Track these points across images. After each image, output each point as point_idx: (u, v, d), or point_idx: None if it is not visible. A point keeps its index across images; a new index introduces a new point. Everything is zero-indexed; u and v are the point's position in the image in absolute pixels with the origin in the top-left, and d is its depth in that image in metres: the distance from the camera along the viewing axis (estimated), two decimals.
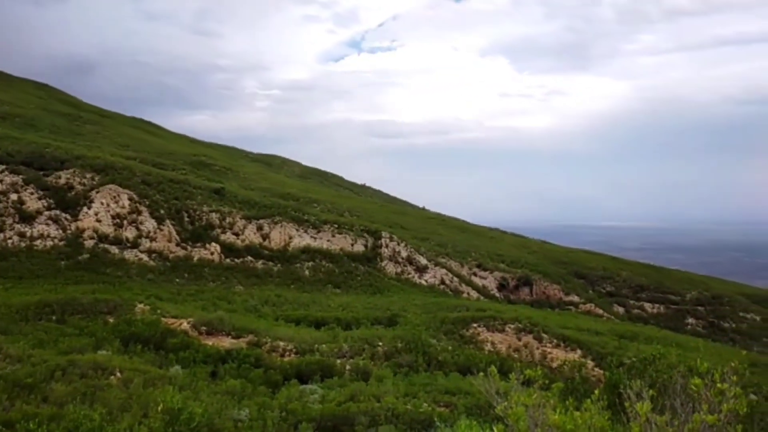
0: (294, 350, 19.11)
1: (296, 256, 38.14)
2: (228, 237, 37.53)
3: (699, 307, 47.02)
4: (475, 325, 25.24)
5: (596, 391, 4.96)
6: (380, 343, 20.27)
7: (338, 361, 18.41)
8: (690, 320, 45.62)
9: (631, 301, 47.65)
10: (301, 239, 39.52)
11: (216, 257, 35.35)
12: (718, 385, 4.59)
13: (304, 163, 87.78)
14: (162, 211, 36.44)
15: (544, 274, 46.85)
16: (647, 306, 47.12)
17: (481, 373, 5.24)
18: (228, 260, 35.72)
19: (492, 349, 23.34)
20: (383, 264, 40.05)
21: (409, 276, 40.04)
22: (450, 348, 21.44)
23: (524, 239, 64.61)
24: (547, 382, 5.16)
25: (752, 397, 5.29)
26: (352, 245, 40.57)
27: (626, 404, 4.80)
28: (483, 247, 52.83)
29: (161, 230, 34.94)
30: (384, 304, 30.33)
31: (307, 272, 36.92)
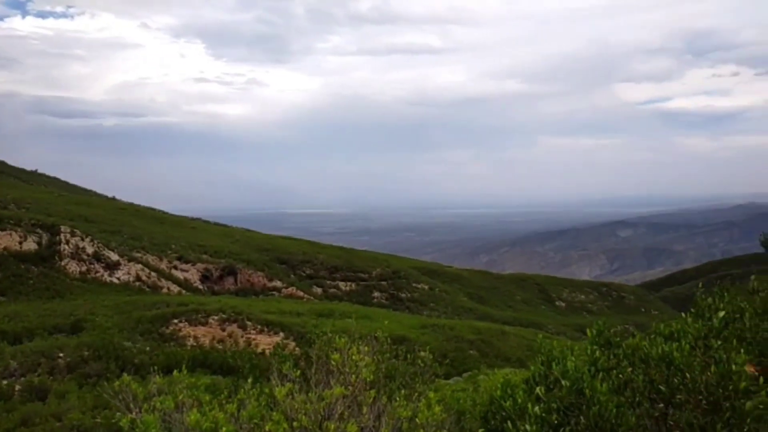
0: None
1: None
2: None
3: (382, 282, 53.71)
4: (176, 321, 24.06)
5: (249, 380, 4.95)
6: (61, 354, 17.75)
7: (4, 382, 15.53)
8: (376, 294, 51.77)
9: (328, 282, 51.66)
10: None
11: None
12: (353, 357, 4.94)
13: None
14: None
15: (248, 262, 47.22)
16: (341, 285, 51.73)
17: (117, 383, 4.76)
18: None
19: (195, 344, 22.59)
20: (64, 263, 34.85)
21: (98, 274, 35.76)
22: (148, 349, 20.01)
23: (228, 228, 64.02)
24: (193, 380, 4.97)
25: (422, 354, 6.16)
26: (21, 243, 34.22)
27: (266, 389, 4.85)
28: (184, 238, 50.48)
29: None
30: (66, 309, 26.54)
31: None
